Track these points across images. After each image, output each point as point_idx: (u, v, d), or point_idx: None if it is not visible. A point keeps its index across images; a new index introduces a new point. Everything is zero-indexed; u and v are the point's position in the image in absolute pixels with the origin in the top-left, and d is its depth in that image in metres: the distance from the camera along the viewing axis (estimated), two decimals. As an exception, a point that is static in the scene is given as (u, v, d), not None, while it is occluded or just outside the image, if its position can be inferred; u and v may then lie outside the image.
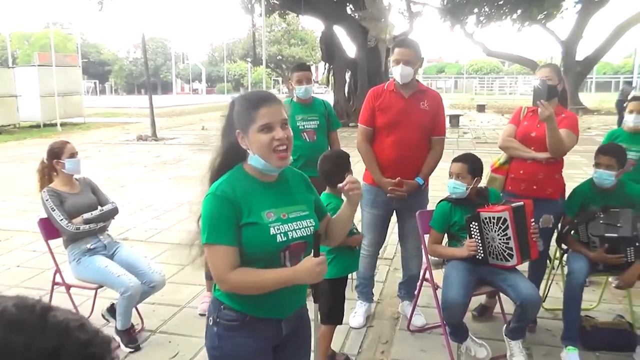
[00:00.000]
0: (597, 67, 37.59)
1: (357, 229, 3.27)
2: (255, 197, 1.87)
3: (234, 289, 1.85)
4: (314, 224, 1.94)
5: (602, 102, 32.09)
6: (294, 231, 1.88)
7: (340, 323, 3.30)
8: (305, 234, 1.90)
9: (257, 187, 1.90)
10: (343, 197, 2.10)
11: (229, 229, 1.81)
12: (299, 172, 2.12)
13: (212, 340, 1.94)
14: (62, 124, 20.21)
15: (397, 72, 3.62)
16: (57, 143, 3.69)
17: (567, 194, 3.77)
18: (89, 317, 3.89)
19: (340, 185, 2.02)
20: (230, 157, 1.95)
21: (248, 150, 1.88)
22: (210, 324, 1.94)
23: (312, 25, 55.89)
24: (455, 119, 19.70)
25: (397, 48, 3.66)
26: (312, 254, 1.85)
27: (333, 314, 3.21)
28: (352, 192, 2.01)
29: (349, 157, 3.28)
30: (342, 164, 3.18)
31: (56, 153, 3.61)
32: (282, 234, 1.85)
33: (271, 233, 1.83)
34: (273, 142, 1.82)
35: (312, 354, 2.18)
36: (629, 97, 14.50)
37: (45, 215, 3.58)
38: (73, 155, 3.64)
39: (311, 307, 2.09)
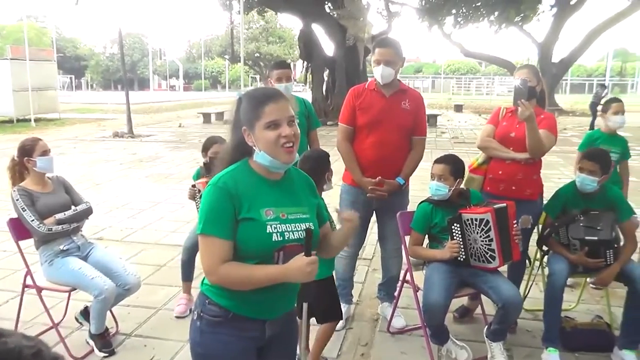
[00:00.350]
0: (571, 69, 38.16)
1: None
2: (257, 194, 1.85)
3: (222, 282, 1.82)
4: (312, 228, 1.90)
5: (577, 104, 32.64)
6: (291, 232, 1.85)
7: (341, 318, 3.35)
8: (302, 237, 1.86)
9: (261, 184, 1.88)
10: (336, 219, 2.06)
11: (226, 222, 1.79)
12: (305, 175, 2.10)
13: (194, 335, 1.91)
14: (36, 120, 19.85)
15: (377, 73, 3.58)
16: (29, 140, 3.56)
17: (545, 195, 3.78)
18: (62, 320, 3.79)
19: (338, 210, 2.00)
20: (238, 155, 1.93)
21: (254, 147, 1.86)
22: (195, 318, 1.92)
23: (290, 23, 56.04)
24: (433, 118, 19.80)
25: (377, 48, 3.62)
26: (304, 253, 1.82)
27: (332, 312, 3.22)
28: (347, 225, 2.03)
29: (329, 156, 3.27)
30: (322, 163, 3.18)
31: (27, 150, 3.49)
32: (278, 234, 1.83)
33: (267, 231, 1.81)
34: (280, 139, 1.80)
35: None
36: (603, 100, 14.73)
37: (15, 215, 3.45)
38: (45, 153, 3.51)
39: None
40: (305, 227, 1.88)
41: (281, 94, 1.88)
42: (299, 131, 1.87)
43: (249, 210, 1.81)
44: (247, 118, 1.85)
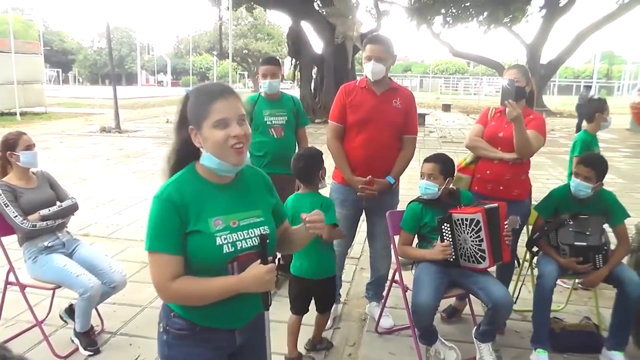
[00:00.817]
0: (559, 71, 38.45)
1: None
2: (205, 202, 1.73)
3: (175, 299, 1.74)
4: (268, 232, 1.81)
5: (565, 105, 32.92)
6: (243, 241, 1.75)
7: (302, 313, 3.32)
8: (256, 243, 1.77)
9: (208, 190, 1.76)
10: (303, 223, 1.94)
11: (173, 236, 1.68)
12: (261, 173, 1.99)
13: (162, 349, 1.84)
14: (22, 113, 19.64)
15: (368, 69, 3.55)
16: (13, 134, 3.47)
17: (533, 195, 3.78)
18: (46, 318, 3.73)
19: (303, 215, 1.89)
20: (183, 156, 1.80)
21: (201, 149, 1.74)
22: (161, 330, 1.84)
23: (279, 20, 55.84)
24: (421, 118, 19.85)
25: (368, 44, 3.59)
26: (260, 262, 1.74)
27: (331, 303, 3.40)
28: (310, 229, 1.90)
29: (322, 154, 3.27)
30: (316, 162, 3.19)
31: (11, 144, 3.41)
32: (229, 244, 1.72)
33: (217, 243, 1.70)
34: (229, 140, 1.68)
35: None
36: (588, 97, 14.70)
37: (-2, 211, 3.37)
38: (29, 147, 3.43)
39: (276, 310, 2.00)
40: (260, 232, 1.79)
41: (231, 90, 1.75)
42: (249, 131, 1.75)
43: (197, 223, 1.70)
44: (195, 116, 1.72)
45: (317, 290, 3.23)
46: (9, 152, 3.40)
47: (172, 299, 1.74)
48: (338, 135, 3.71)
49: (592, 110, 4.79)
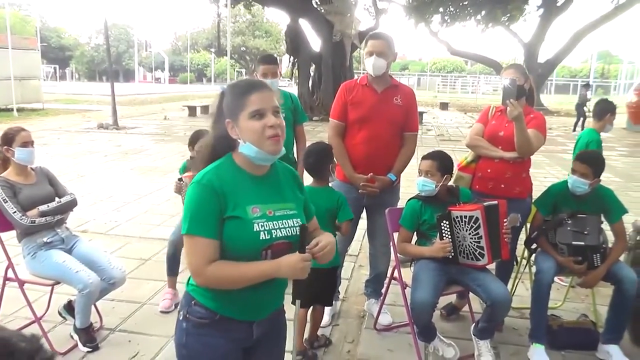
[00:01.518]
0: (556, 70, 38.49)
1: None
2: (243, 190, 1.79)
3: (210, 283, 1.77)
4: (300, 224, 1.85)
5: (562, 104, 32.97)
6: (278, 230, 1.79)
7: (308, 306, 3.36)
8: (290, 234, 1.81)
9: (246, 180, 1.82)
10: None
11: (212, 220, 1.73)
12: (292, 169, 2.04)
13: (180, 336, 1.87)
14: (19, 110, 19.59)
15: (369, 64, 3.56)
16: (13, 129, 3.46)
17: (534, 194, 3.79)
18: (45, 314, 3.73)
19: (308, 247, 1.86)
20: (219, 147, 1.86)
21: (239, 139, 1.79)
22: (180, 319, 1.87)
23: (277, 17, 55.70)
24: (418, 116, 19.83)
25: (370, 40, 3.62)
26: (298, 250, 1.79)
27: (332, 297, 3.48)
28: (317, 257, 1.87)
29: (332, 149, 3.35)
30: (325, 156, 3.28)
31: (8, 139, 3.38)
32: (265, 232, 1.77)
33: (254, 229, 1.75)
34: (266, 129, 1.74)
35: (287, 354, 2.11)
36: (589, 102, 14.71)
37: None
38: (25, 144, 3.40)
39: (290, 308, 2.02)
40: (293, 224, 1.83)
41: (265, 85, 1.83)
42: (284, 123, 1.82)
43: (235, 209, 1.75)
44: (231, 109, 1.79)
45: (324, 280, 3.24)
46: (6, 146, 3.39)
47: (207, 282, 1.77)
48: (339, 133, 3.72)
49: (604, 110, 4.80)
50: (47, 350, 0.68)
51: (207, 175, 1.77)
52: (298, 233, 1.82)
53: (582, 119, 18.69)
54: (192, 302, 1.83)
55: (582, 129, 18.24)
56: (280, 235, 1.80)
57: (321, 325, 3.64)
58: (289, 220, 1.84)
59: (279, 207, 1.84)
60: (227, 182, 1.77)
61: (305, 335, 3.45)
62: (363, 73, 3.72)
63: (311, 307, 3.41)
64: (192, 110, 21.78)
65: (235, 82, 1.89)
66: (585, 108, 18.45)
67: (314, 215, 2.11)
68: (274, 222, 1.80)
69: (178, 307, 1.92)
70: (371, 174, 3.58)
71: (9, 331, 0.67)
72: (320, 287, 3.26)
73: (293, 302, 2.01)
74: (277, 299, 1.96)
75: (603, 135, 4.78)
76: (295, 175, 2.03)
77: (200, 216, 1.73)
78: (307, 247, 1.85)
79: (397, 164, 3.69)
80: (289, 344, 2.13)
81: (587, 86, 20.41)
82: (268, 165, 1.88)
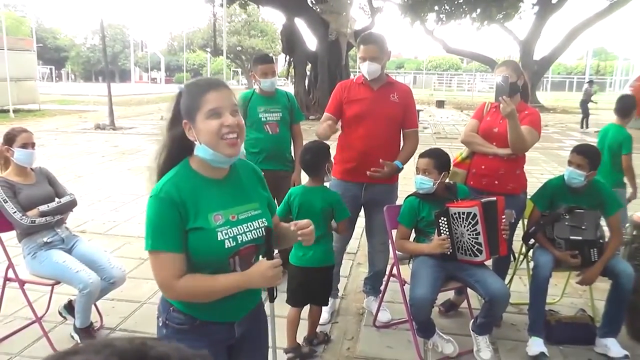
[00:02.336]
0: (552, 67, 38.56)
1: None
2: (202, 198, 1.73)
3: (182, 297, 1.74)
4: (266, 224, 1.82)
5: (558, 101, 33.02)
6: (244, 234, 1.76)
7: (303, 305, 3.39)
8: (256, 236, 1.79)
9: (205, 186, 1.75)
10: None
11: (174, 234, 1.68)
12: (252, 166, 1.98)
13: None
14: (15, 111, 19.50)
15: (364, 69, 3.59)
16: (15, 129, 3.47)
17: (528, 190, 3.81)
18: (45, 314, 3.74)
19: (292, 223, 1.91)
20: (175, 151, 1.78)
21: (195, 142, 1.72)
22: (160, 325, 1.84)
23: (272, 17, 55.65)
24: (415, 114, 19.86)
25: (362, 45, 3.61)
26: (265, 256, 1.77)
27: (328, 297, 3.46)
28: (300, 237, 1.90)
29: (329, 148, 3.34)
30: (322, 154, 3.28)
31: (9, 139, 3.40)
32: (230, 239, 1.73)
33: (219, 238, 1.71)
34: (222, 129, 1.67)
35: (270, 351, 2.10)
36: (593, 97, 14.78)
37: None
38: (26, 145, 3.41)
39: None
40: (258, 225, 1.80)
41: (223, 83, 1.77)
42: (243, 123, 1.75)
43: (196, 219, 1.70)
44: (188, 109, 1.72)
45: (319, 279, 3.26)
46: (6, 146, 3.40)
47: (178, 297, 1.74)
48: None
49: (630, 106, 4.82)
50: None
51: (165, 187, 1.70)
52: (263, 234, 1.79)
53: (586, 116, 18.60)
54: (170, 308, 1.80)
55: (587, 126, 18.26)
56: (246, 239, 1.77)
57: (320, 323, 3.66)
58: (253, 222, 1.80)
59: (242, 210, 1.79)
60: (186, 191, 1.71)
61: (305, 334, 3.47)
62: (359, 72, 3.73)
63: (308, 307, 3.42)
64: (188, 110, 21.70)
65: (193, 81, 1.83)
66: (589, 105, 18.47)
67: (275, 213, 2.07)
68: (239, 227, 1.76)
69: (157, 312, 1.88)
70: (381, 159, 3.56)
71: (189, 351, 0.66)
72: (315, 286, 3.29)
73: (271, 301, 2.00)
74: (255, 297, 1.93)
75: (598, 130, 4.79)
76: (255, 170, 1.97)
77: (162, 230, 1.68)
78: (293, 228, 1.85)
79: (402, 153, 3.72)
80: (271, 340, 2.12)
81: (591, 83, 20.32)
82: (227, 167, 1.82)
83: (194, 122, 1.70)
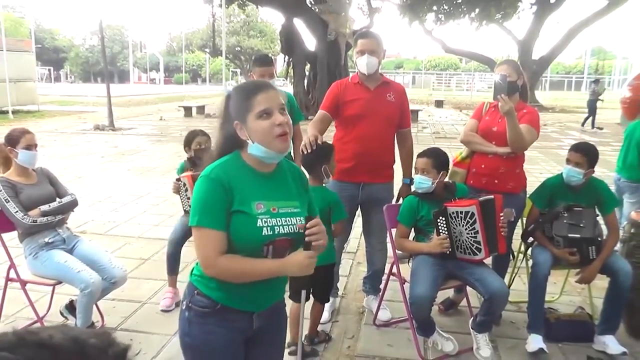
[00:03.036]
0: (551, 66, 38.60)
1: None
2: (248, 186, 1.84)
3: (220, 274, 1.82)
4: (303, 223, 1.90)
5: (556, 100, 33.06)
6: (281, 226, 1.84)
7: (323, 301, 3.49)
8: (292, 231, 1.86)
9: (252, 177, 1.87)
10: None
11: (220, 213, 1.78)
12: (298, 169, 2.09)
13: (183, 325, 1.91)
14: (14, 112, 19.48)
15: (362, 63, 3.59)
16: (18, 130, 3.49)
17: (528, 189, 3.83)
18: (46, 314, 3.75)
19: (300, 225, 1.91)
20: (227, 149, 1.91)
21: (247, 140, 1.84)
22: (183, 308, 1.91)
23: (271, 17, 55.69)
24: (414, 114, 19.84)
25: (360, 39, 3.65)
26: (304, 248, 1.85)
27: (328, 294, 3.54)
28: (308, 238, 1.89)
29: (333, 150, 3.36)
30: (322, 154, 3.27)
31: (13, 140, 3.41)
32: (268, 228, 1.82)
33: (258, 225, 1.80)
34: (274, 128, 1.79)
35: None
36: (602, 95, 14.67)
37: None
38: (29, 147, 3.43)
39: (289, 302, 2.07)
40: (296, 222, 1.88)
41: (270, 85, 1.88)
42: (291, 120, 1.86)
43: (241, 203, 1.80)
44: (239, 111, 1.83)
45: (320, 277, 3.27)
46: (9, 147, 3.42)
47: (218, 273, 1.81)
48: (320, 120, 3.72)
49: None
50: (120, 343, 0.72)
51: (215, 169, 1.82)
52: (300, 230, 1.86)
53: (592, 115, 18.51)
54: (195, 291, 1.88)
55: (593, 125, 18.22)
56: (283, 232, 1.84)
57: (321, 322, 3.68)
58: (292, 218, 1.88)
59: (283, 205, 1.88)
60: (234, 177, 1.82)
61: (305, 332, 3.48)
62: (357, 71, 3.74)
63: (310, 304, 3.44)
64: (187, 111, 21.74)
65: (241, 85, 1.95)
66: (597, 103, 18.40)
67: (317, 215, 2.14)
68: (277, 219, 1.84)
69: (182, 298, 1.98)
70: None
71: (77, 329, 0.70)
72: (316, 284, 3.30)
73: (290, 297, 2.06)
74: (278, 292, 2.01)
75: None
76: (301, 174, 2.08)
77: (208, 209, 1.77)
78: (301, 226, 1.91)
79: (404, 165, 3.87)
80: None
81: (597, 82, 20.24)
82: (275, 163, 1.92)
83: (245, 122, 1.82)
